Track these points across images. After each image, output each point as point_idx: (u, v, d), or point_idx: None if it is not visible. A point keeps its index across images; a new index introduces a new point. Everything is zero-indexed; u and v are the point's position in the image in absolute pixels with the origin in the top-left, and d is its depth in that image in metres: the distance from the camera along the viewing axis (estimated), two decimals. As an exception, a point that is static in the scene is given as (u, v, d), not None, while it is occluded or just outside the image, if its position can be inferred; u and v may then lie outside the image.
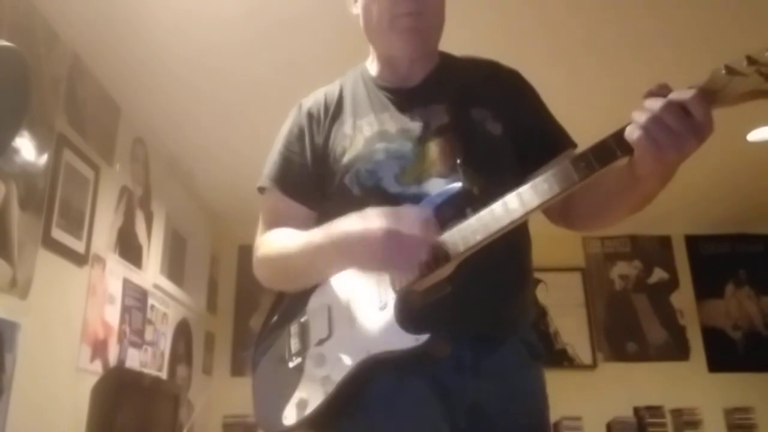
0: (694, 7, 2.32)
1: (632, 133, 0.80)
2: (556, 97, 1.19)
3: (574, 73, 2.66)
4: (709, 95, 0.78)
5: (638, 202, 0.94)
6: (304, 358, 1.02)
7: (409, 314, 0.93)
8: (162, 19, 2.31)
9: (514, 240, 0.94)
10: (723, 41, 2.37)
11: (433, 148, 1.06)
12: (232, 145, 3.16)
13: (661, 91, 0.81)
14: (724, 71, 0.77)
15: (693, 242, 4.67)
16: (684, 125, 0.78)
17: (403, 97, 1.14)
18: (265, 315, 1.16)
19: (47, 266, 2.17)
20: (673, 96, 0.79)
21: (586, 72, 2.69)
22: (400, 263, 0.89)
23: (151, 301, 3.12)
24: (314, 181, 1.14)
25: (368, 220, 0.91)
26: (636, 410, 4.11)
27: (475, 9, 2.23)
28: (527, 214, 0.87)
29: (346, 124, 1.14)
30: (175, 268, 3.84)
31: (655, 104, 0.79)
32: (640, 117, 0.80)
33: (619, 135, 0.82)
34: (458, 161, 1.02)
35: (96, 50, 2.46)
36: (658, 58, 2.56)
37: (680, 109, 0.78)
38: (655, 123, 0.78)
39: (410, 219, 0.90)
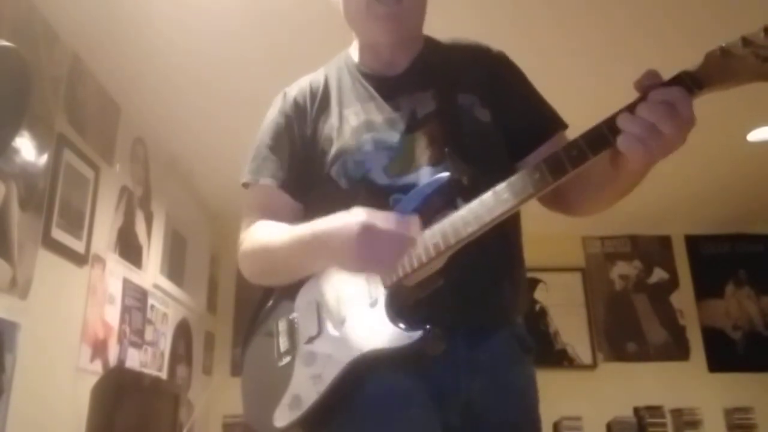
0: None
1: (627, 144, 0.78)
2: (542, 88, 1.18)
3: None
4: (704, 79, 0.76)
5: (621, 191, 0.94)
6: (293, 357, 0.99)
7: (400, 310, 0.91)
8: (162, 18, 2.31)
9: (504, 229, 0.92)
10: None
11: (421, 138, 1.04)
12: (232, 144, 3.15)
13: (652, 79, 0.78)
14: (719, 54, 0.75)
15: (693, 242, 4.67)
16: (676, 130, 0.76)
17: (389, 85, 1.12)
18: (252, 312, 1.14)
19: (47, 266, 2.17)
20: (664, 97, 0.76)
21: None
22: (372, 258, 0.87)
23: (151, 301, 3.12)
24: (300, 172, 1.11)
25: (349, 216, 0.89)
26: (636, 410, 4.11)
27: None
28: (519, 204, 0.85)
29: (333, 114, 1.11)
30: (175, 268, 3.84)
31: (652, 115, 0.76)
32: (633, 127, 0.77)
33: (611, 122, 0.80)
34: (446, 150, 1.01)
35: (96, 50, 2.46)
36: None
37: (673, 114, 0.76)
38: (649, 132, 0.76)
39: (390, 217, 0.88)
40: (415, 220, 0.89)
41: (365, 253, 0.86)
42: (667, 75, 0.79)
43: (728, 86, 0.76)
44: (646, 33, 2.48)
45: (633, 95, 0.81)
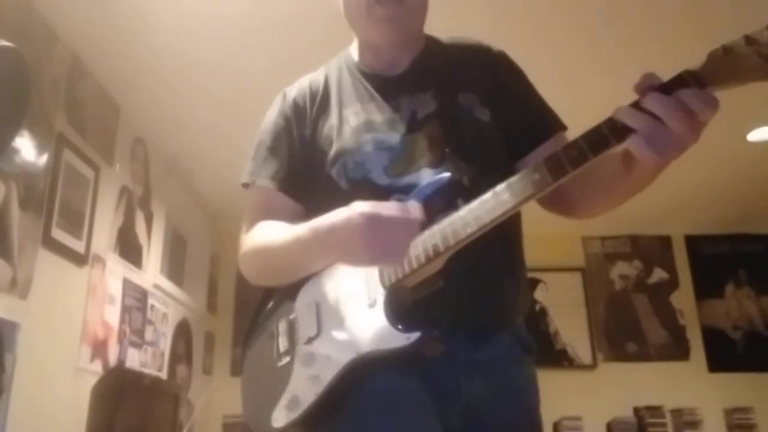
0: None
1: (637, 144, 0.76)
2: (545, 89, 1.17)
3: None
4: (707, 78, 0.74)
5: (631, 192, 0.92)
6: (292, 357, 0.99)
7: (399, 312, 0.91)
8: (162, 18, 2.31)
9: (504, 230, 0.91)
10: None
11: (422, 138, 1.04)
12: (232, 144, 3.16)
13: (650, 81, 0.77)
14: (721, 52, 0.74)
15: (693, 242, 4.67)
16: (689, 129, 0.74)
17: (389, 85, 1.11)
18: (252, 312, 1.14)
19: (47, 266, 2.17)
20: (684, 99, 0.74)
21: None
22: (383, 247, 0.85)
23: (151, 301, 3.12)
24: (300, 173, 1.11)
25: (352, 209, 0.89)
26: (636, 410, 4.12)
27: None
28: (518, 204, 0.85)
29: (332, 115, 1.11)
30: (175, 268, 3.84)
31: (659, 107, 0.74)
32: (641, 124, 0.75)
33: (612, 122, 0.79)
34: (447, 150, 1.00)
35: (96, 50, 2.46)
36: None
37: (688, 113, 0.74)
38: (657, 130, 0.74)
39: (392, 204, 0.88)
40: (415, 205, 0.88)
41: (375, 242, 0.85)
42: (671, 68, 0.78)
43: (732, 85, 0.75)
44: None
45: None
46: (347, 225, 0.88)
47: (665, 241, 4.69)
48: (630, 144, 0.77)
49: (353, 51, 1.20)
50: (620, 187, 0.92)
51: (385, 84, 1.12)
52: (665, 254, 4.68)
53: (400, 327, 0.89)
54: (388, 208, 0.87)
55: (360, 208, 0.88)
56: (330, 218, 0.91)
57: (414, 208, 0.88)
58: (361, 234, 0.86)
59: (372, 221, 0.85)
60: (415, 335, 0.87)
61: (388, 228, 0.85)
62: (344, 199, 0.96)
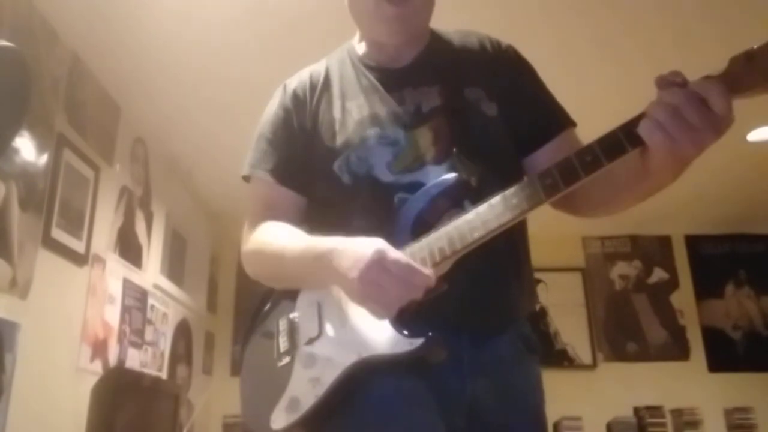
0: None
1: (649, 131, 0.74)
2: (557, 89, 1.16)
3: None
4: (729, 84, 0.72)
5: (647, 193, 0.90)
6: (293, 358, 0.97)
7: (403, 316, 0.88)
8: (162, 19, 2.31)
9: (510, 231, 0.89)
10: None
11: (427, 133, 1.02)
12: (232, 144, 3.15)
13: (675, 78, 0.75)
14: (744, 59, 0.71)
15: (693, 242, 4.68)
16: (704, 120, 0.72)
17: (393, 78, 1.09)
18: (253, 309, 1.12)
19: (47, 266, 2.17)
20: (696, 88, 0.72)
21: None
22: (375, 290, 0.83)
23: (151, 301, 3.12)
24: (302, 166, 1.09)
25: (369, 242, 0.86)
26: (636, 410, 4.12)
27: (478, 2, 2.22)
28: (528, 210, 0.83)
29: (335, 107, 1.09)
30: (175, 268, 3.83)
31: (675, 98, 0.73)
32: (659, 113, 0.73)
33: (628, 127, 0.77)
34: (454, 149, 0.98)
35: (96, 50, 2.46)
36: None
37: (702, 103, 0.71)
38: (674, 119, 0.72)
39: (409, 261, 0.85)
40: (430, 273, 0.85)
41: (370, 284, 0.83)
42: (688, 70, 0.76)
43: (754, 94, 0.72)
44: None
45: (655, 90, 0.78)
46: (354, 254, 0.86)
47: (665, 241, 4.69)
48: (641, 129, 0.75)
49: (356, 43, 1.19)
50: (635, 190, 0.90)
51: (389, 76, 1.10)
52: (665, 254, 4.68)
53: (404, 332, 0.87)
54: (404, 260, 0.84)
55: (376, 244, 0.85)
56: (344, 242, 0.90)
57: (426, 276, 0.84)
58: (362, 269, 0.83)
59: (378, 262, 0.83)
60: (418, 341, 0.85)
61: (389, 277, 0.83)
62: (347, 194, 0.95)
